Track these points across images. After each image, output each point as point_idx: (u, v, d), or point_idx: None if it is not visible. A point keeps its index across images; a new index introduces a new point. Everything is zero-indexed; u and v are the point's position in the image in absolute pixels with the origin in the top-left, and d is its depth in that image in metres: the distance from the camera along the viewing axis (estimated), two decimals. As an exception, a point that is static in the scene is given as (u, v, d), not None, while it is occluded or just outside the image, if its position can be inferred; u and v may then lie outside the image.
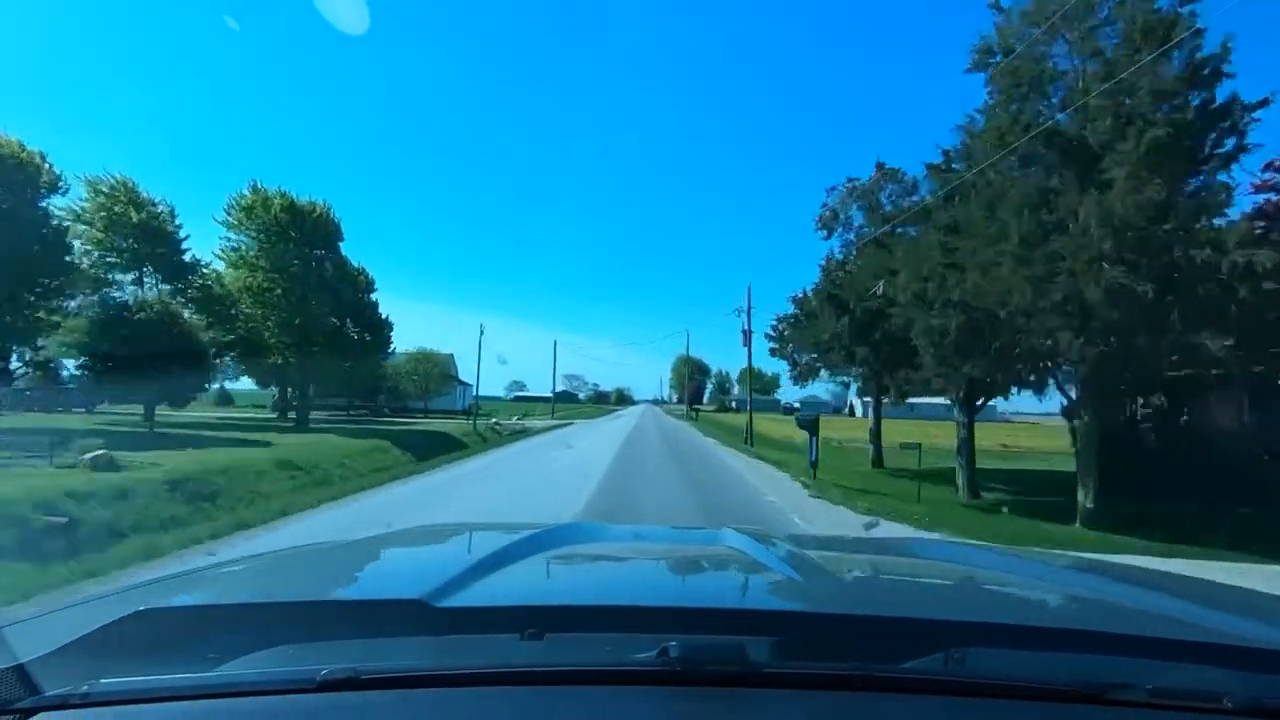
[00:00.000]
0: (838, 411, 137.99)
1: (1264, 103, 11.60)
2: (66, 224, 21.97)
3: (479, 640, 0.98)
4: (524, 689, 0.85)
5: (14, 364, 22.97)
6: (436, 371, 54.82)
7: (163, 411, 24.45)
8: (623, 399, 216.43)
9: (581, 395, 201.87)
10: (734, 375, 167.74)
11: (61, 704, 0.82)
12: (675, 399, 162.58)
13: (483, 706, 0.83)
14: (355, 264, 31.09)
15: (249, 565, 1.59)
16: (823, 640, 0.97)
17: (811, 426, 18.02)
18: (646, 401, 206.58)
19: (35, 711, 0.82)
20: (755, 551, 1.58)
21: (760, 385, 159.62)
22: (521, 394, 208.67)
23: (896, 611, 1.11)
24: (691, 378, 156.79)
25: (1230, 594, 1.58)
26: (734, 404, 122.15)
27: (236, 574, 1.49)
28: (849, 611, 1.09)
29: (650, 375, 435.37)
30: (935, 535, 8.84)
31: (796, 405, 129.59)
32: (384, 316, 32.03)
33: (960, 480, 16.93)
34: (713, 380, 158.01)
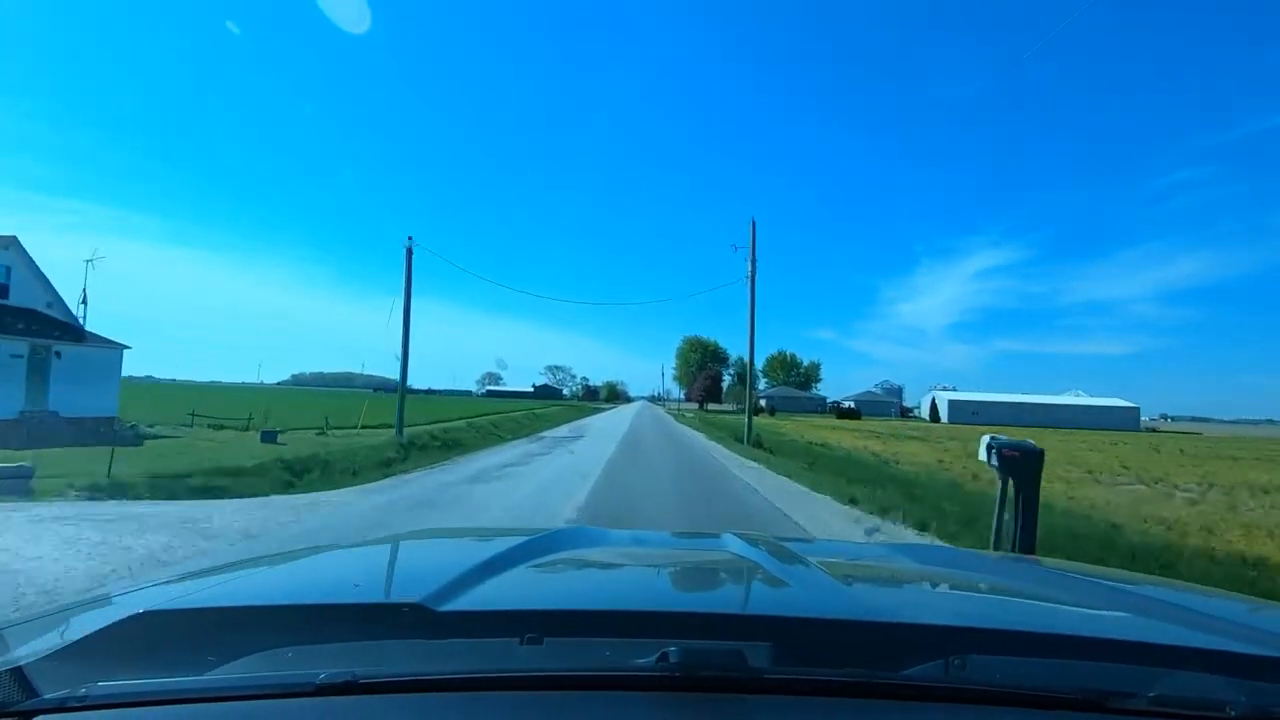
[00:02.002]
0: (905, 414, 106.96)
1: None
2: None
3: (478, 644, 1.01)
4: (523, 694, 0.88)
5: None
6: None
7: None
8: (615, 395, 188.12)
9: (566, 390, 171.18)
10: (759, 361, 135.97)
11: (59, 706, 0.86)
12: (683, 396, 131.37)
13: (482, 711, 0.87)
14: None
15: (249, 568, 1.59)
16: (823, 646, 1.00)
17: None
18: (643, 398, 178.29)
19: (34, 714, 0.86)
20: (756, 557, 1.62)
21: (795, 377, 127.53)
22: (496, 389, 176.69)
23: (897, 617, 1.12)
24: (704, 366, 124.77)
25: (1234, 601, 1.64)
26: (764, 403, 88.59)
27: (236, 577, 1.48)
28: (849, 617, 1.11)
29: (648, 367, 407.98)
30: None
31: (850, 405, 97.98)
32: None
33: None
34: (732, 370, 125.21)
